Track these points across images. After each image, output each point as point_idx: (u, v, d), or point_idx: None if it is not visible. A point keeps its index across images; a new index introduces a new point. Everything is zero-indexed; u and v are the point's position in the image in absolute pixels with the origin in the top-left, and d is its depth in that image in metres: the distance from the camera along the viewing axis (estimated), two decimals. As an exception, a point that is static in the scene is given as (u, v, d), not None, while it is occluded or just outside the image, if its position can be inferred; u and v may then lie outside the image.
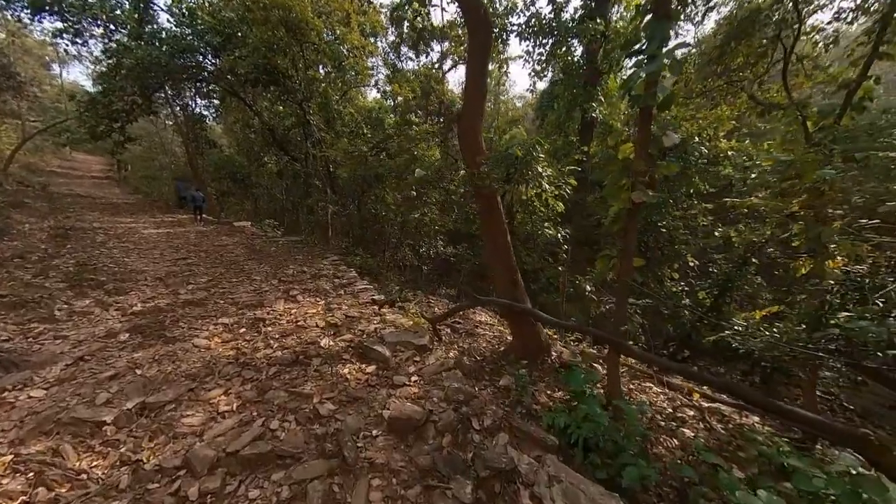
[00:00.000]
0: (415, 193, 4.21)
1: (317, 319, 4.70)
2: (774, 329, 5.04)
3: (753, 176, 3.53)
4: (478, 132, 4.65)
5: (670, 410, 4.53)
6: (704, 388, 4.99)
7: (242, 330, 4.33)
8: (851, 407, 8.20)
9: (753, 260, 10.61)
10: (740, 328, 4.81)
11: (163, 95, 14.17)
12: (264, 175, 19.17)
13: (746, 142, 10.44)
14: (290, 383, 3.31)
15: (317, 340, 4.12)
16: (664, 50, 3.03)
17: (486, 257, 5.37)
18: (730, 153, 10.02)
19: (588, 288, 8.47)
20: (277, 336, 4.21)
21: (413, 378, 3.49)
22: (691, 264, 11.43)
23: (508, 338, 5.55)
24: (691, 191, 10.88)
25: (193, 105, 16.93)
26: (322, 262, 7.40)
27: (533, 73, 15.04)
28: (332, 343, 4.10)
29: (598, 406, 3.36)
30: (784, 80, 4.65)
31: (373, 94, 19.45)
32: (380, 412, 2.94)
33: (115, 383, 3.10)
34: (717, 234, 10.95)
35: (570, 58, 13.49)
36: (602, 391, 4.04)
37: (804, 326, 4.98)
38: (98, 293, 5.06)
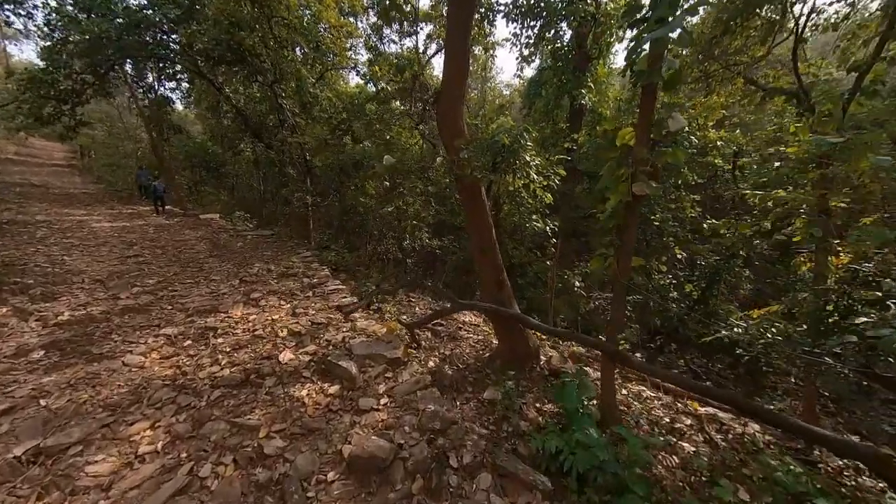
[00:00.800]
0: (388, 184, 3.69)
1: (278, 327, 4.14)
2: (774, 329, 4.77)
3: (777, 165, 3.12)
4: (458, 114, 4.11)
5: (667, 420, 4.21)
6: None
7: (188, 342, 3.75)
8: (826, 393, 8.17)
9: (741, 252, 10.51)
10: (740, 329, 4.52)
11: (120, 75, 12.98)
12: (242, 164, 18.13)
13: (737, 131, 10.20)
14: (235, 411, 2.78)
15: (274, 354, 3.58)
16: (673, 17, 2.57)
17: (471, 253, 4.90)
18: (718, 143, 9.78)
19: (577, 283, 8.14)
20: (228, 349, 3.65)
21: (383, 400, 3.01)
22: (679, 256, 11.30)
23: (494, 341, 5.14)
24: (679, 182, 10.64)
25: (158, 87, 15.69)
26: (292, 260, 6.79)
27: (520, 58, 14.47)
28: (292, 357, 3.57)
29: (593, 428, 2.95)
30: (794, 59, 4.25)
31: (355, 80, 18.51)
32: (339, 448, 2.46)
33: (7, 420, 2.51)
34: (705, 225, 10.80)
35: (558, 42, 12.96)
36: (596, 403, 3.65)
37: (805, 327, 4.72)
38: (20, 300, 4.36)
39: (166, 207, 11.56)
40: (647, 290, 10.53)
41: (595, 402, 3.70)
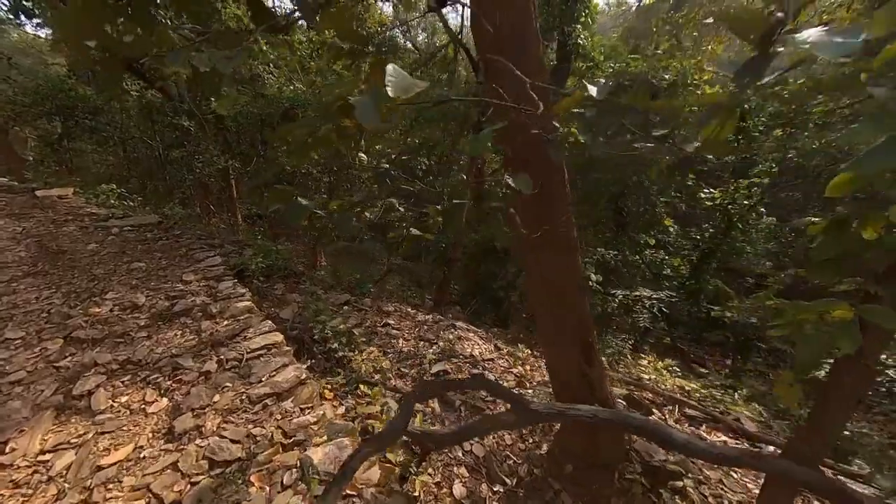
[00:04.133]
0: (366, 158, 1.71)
1: (121, 494, 1.78)
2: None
3: None
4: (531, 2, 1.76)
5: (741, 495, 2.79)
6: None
7: None
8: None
9: (739, 225, 9.75)
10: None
11: None
12: (130, 112, 13.10)
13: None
14: None
15: None
16: None
17: (532, 301, 2.79)
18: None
19: (592, 277, 6.49)
20: None
21: None
22: (671, 229, 10.42)
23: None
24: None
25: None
26: (186, 276, 4.06)
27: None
28: None
29: None
30: None
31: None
32: None
33: None
34: (702, 195, 9.89)
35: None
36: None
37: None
38: None
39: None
40: (639, 266, 9.53)
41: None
